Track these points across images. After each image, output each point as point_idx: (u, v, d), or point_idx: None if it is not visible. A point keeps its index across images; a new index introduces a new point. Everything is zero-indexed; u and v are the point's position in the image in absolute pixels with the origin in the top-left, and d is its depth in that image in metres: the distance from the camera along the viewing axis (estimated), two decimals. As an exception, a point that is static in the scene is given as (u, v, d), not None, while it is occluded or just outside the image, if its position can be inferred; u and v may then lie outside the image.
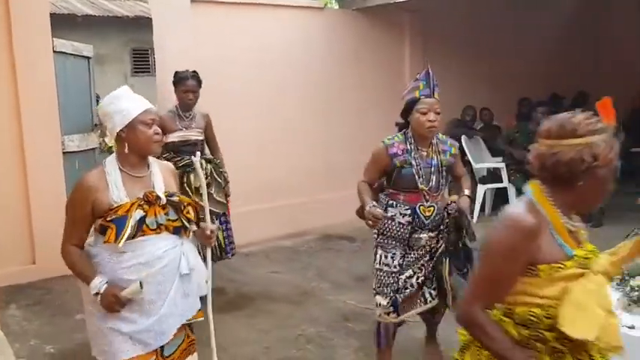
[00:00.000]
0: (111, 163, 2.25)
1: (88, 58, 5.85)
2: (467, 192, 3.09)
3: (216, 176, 4.29)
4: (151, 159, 2.34)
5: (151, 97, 6.66)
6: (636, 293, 2.32)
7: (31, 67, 4.83)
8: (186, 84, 4.18)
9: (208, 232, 2.41)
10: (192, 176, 4.09)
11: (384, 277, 3.04)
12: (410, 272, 3.05)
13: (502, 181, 6.42)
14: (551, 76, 8.07)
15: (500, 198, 6.70)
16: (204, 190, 2.47)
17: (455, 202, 3.06)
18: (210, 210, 3.99)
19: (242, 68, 5.82)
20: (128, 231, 2.13)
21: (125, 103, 2.24)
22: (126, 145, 2.23)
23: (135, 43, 11.51)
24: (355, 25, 6.70)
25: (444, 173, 3.02)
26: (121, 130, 2.23)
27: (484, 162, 6.71)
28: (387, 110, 7.19)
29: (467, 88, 7.23)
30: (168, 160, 3.65)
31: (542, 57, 7.99)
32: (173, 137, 4.15)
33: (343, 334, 3.89)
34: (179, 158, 4.10)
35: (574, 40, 8.39)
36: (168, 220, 2.24)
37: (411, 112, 2.93)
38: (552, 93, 7.85)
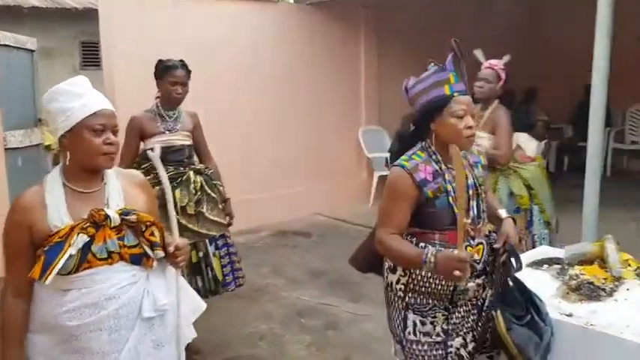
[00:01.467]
0: (53, 177, 1.79)
1: (32, 51, 5.65)
2: (504, 212, 2.28)
3: (208, 190, 3.49)
4: (110, 169, 1.86)
5: (101, 91, 6.47)
6: (574, 282, 2.38)
7: (-30, 61, 4.65)
8: (175, 74, 3.40)
9: (172, 249, 1.83)
10: (177, 192, 3.34)
11: (427, 351, 2.13)
12: (460, 340, 2.14)
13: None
14: (503, 71, 8.22)
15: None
16: (168, 194, 1.95)
17: (494, 231, 2.22)
18: (201, 233, 3.40)
19: (192, 64, 5.70)
20: (61, 263, 1.66)
21: (71, 101, 1.75)
22: (67, 154, 1.78)
23: (84, 35, 11.19)
24: (310, 19, 6.68)
25: (484, 195, 2.19)
26: (62, 136, 1.76)
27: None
28: (342, 106, 7.26)
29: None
30: (148, 171, 3.17)
31: (495, 53, 8.13)
32: (154, 143, 3.34)
33: (296, 330, 3.88)
34: None
35: (525, 36, 8.57)
36: (124, 246, 1.76)
37: (436, 116, 2.07)
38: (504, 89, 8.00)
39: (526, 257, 2.90)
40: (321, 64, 6.81)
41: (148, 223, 1.80)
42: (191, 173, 3.43)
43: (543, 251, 3.00)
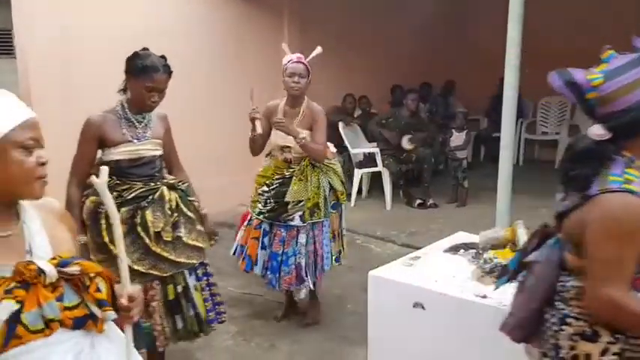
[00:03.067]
0: None
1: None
2: None
3: (185, 209, 2.87)
4: (24, 202, 1.41)
5: (14, 82, 6.23)
6: (488, 265, 2.54)
7: None
8: (155, 78, 2.74)
9: (124, 301, 1.42)
10: (148, 213, 2.72)
11: None
12: None
13: (377, 165, 6.68)
14: (422, 63, 8.49)
15: (375, 180, 6.98)
16: (117, 229, 1.53)
17: None
18: (180, 262, 2.78)
19: (118, 54, 5.51)
20: None
21: None
22: None
23: (-6, 21, 10.59)
24: (233, 7, 6.62)
25: None
26: None
27: (360, 147, 6.95)
28: (269, 96, 7.23)
29: (345, 75, 7.42)
30: (110, 188, 2.60)
31: (415, 45, 8.37)
32: (118, 154, 2.74)
33: (222, 321, 3.89)
34: (127, 187, 2.75)
35: (445, 30, 8.87)
36: (65, 308, 1.30)
37: None
38: (423, 82, 8.27)
39: (443, 243, 3.06)
40: (247, 53, 6.77)
41: (92, 275, 1.35)
42: (164, 189, 2.80)
43: (459, 237, 3.15)
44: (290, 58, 3.65)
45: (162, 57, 2.85)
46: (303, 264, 3.59)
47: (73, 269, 1.31)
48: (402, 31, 8.16)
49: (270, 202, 3.61)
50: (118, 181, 2.72)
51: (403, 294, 2.55)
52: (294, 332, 3.72)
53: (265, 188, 3.66)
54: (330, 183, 3.66)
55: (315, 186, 3.59)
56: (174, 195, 2.84)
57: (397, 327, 2.58)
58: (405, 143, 6.47)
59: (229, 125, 6.67)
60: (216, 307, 3.00)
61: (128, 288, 1.45)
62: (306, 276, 3.60)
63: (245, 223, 3.89)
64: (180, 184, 2.94)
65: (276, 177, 3.63)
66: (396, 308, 2.56)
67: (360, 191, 6.88)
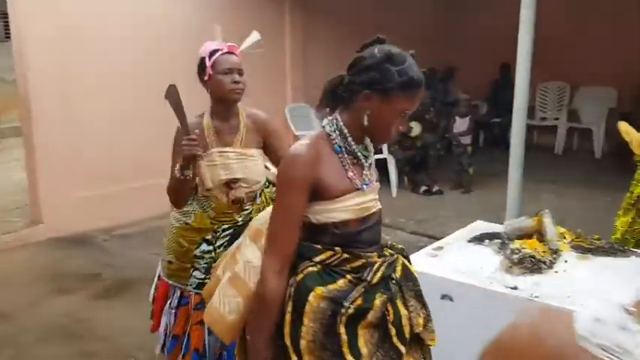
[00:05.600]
0: None
1: None
2: None
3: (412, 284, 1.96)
4: None
5: (5, 66, 5.98)
6: (516, 255, 2.46)
7: None
8: (416, 96, 1.65)
9: None
10: (400, 304, 1.75)
11: None
12: None
13: (381, 152, 6.58)
14: (423, 50, 8.38)
15: (379, 168, 6.91)
16: None
17: None
18: None
19: (116, 40, 5.37)
20: None
21: None
22: None
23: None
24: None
25: None
26: None
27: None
28: (267, 83, 7.09)
29: (347, 64, 7.31)
30: (333, 267, 1.67)
31: (418, 32, 8.27)
32: (346, 210, 1.70)
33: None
34: (360, 263, 1.74)
35: (444, 16, 8.77)
36: None
37: None
38: (428, 67, 8.17)
39: (464, 233, 2.98)
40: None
41: None
42: (404, 261, 1.83)
43: (478, 226, 3.07)
44: (217, 47, 2.56)
45: (432, 70, 1.74)
46: None
47: None
48: (405, 17, 8.05)
49: None
50: (346, 256, 1.68)
51: (430, 285, 2.46)
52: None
53: (206, 247, 2.44)
54: None
55: None
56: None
57: (424, 320, 2.51)
58: (411, 129, 6.40)
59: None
60: None
61: None
62: None
63: (172, 303, 2.52)
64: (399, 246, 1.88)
65: (224, 227, 2.43)
66: (423, 300, 2.49)
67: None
